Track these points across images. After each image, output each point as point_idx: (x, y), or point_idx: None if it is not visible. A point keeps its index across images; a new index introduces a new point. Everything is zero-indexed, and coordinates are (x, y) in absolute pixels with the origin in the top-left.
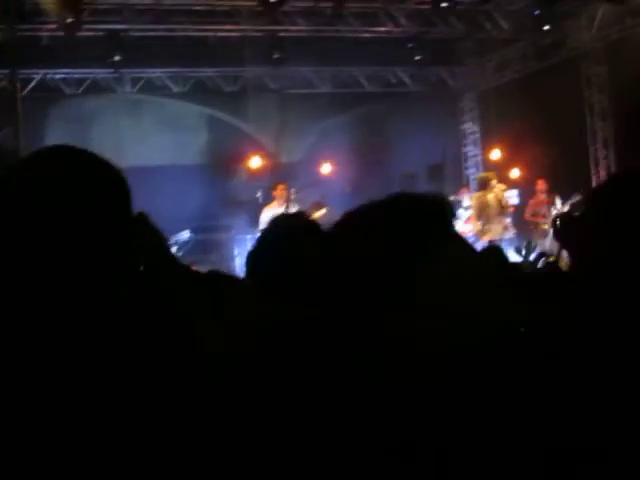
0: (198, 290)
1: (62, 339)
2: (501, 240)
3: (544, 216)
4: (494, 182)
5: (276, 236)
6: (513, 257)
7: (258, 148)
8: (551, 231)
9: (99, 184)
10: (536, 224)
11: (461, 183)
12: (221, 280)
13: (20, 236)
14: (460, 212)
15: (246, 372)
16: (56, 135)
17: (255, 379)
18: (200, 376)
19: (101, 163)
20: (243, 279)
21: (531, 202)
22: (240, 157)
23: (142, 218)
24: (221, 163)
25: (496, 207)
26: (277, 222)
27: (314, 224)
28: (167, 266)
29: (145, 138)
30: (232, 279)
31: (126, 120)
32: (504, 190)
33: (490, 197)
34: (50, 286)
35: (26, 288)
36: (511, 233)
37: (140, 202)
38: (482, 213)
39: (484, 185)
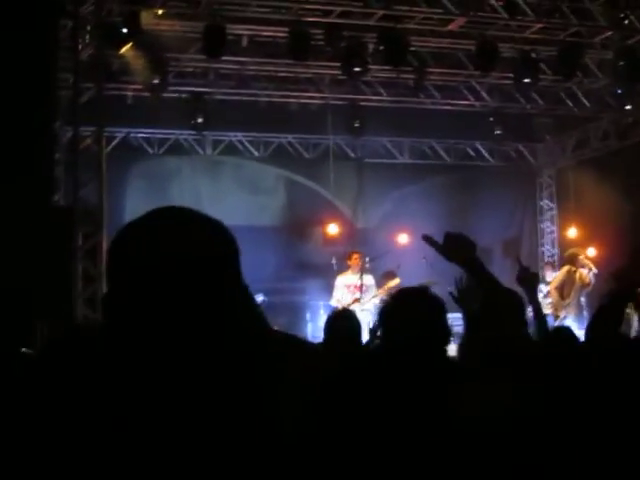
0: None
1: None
2: (577, 318)
3: None
4: (582, 258)
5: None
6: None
7: (335, 212)
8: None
9: (219, 243)
10: None
11: (542, 260)
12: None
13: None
14: (541, 287)
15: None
16: (137, 193)
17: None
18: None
19: (216, 222)
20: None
21: None
22: (316, 221)
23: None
24: (297, 226)
25: (579, 285)
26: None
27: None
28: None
29: (223, 198)
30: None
31: (205, 179)
32: (590, 269)
33: (576, 274)
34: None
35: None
36: (585, 313)
37: None
38: (564, 288)
39: (572, 261)
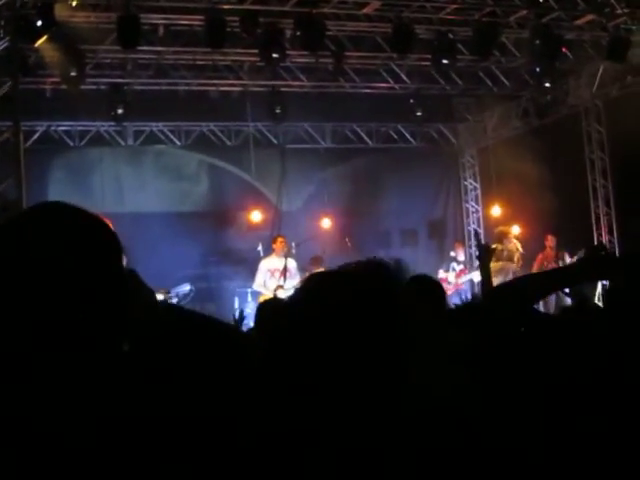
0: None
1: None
2: None
3: None
4: (511, 236)
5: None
6: None
7: (258, 197)
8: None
9: (88, 241)
10: None
11: (469, 240)
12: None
13: (16, 293)
14: (454, 265)
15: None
16: (58, 185)
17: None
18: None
19: (90, 220)
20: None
21: (539, 257)
22: (240, 206)
23: (132, 275)
24: (221, 212)
25: (507, 262)
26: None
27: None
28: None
29: (145, 186)
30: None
31: (127, 168)
32: (517, 244)
33: (504, 252)
34: (48, 341)
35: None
36: None
37: (140, 248)
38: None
39: (500, 239)
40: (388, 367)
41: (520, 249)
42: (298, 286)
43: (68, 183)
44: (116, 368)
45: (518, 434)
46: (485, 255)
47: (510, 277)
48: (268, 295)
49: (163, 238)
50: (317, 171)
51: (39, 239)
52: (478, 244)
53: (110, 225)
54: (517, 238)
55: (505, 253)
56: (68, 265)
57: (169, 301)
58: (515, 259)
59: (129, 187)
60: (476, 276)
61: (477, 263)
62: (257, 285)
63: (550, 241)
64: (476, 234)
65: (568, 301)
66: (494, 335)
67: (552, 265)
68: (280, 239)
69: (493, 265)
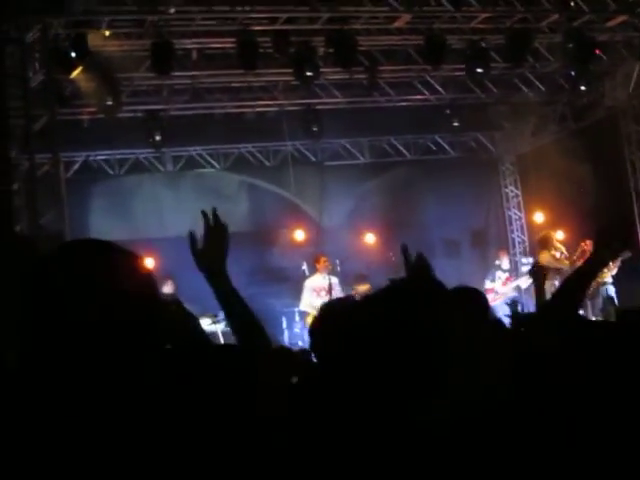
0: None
1: (95, 418)
2: None
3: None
4: (555, 241)
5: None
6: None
7: (299, 214)
8: (601, 291)
9: (120, 275)
10: None
11: (513, 248)
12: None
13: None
14: (499, 274)
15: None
16: (100, 213)
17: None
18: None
19: (124, 254)
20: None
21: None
22: (282, 224)
23: (175, 303)
24: (263, 231)
25: (553, 268)
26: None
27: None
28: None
29: (185, 208)
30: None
31: (167, 192)
32: (562, 252)
33: (550, 257)
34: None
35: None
36: None
37: (185, 271)
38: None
39: (544, 244)
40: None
41: (565, 253)
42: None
43: (109, 211)
44: (139, 391)
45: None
46: (539, 277)
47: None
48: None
49: None
50: (357, 185)
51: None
52: (532, 268)
53: (144, 260)
54: (561, 243)
55: (558, 254)
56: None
57: (217, 324)
58: (559, 265)
59: (169, 211)
60: (523, 282)
61: (522, 270)
62: (304, 305)
63: (589, 246)
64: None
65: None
66: (542, 346)
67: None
68: (323, 258)
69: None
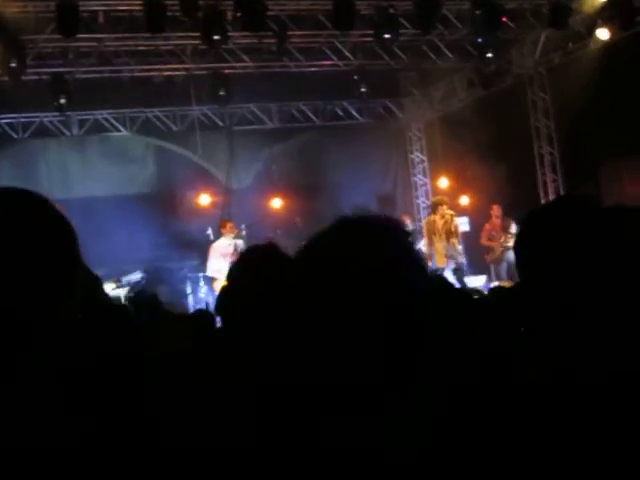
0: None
1: None
2: (443, 268)
3: (500, 241)
4: (443, 207)
5: (245, 271)
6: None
7: (207, 177)
8: (506, 256)
9: (41, 227)
10: (491, 249)
11: (418, 213)
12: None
13: None
14: None
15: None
16: (3, 177)
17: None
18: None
19: (44, 205)
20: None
21: (487, 227)
22: (189, 186)
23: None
24: (170, 193)
25: (443, 232)
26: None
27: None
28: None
29: (91, 171)
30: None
31: (73, 155)
32: (452, 216)
33: (439, 222)
34: None
35: None
36: (460, 259)
37: (90, 232)
38: (430, 237)
39: (433, 209)
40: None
41: (454, 220)
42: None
43: (13, 173)
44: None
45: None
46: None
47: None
48: (222, 280)
49: (112, 222)
50: (265, 149)
51: None
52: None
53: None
54: (465, 208)
55: (442, 223)
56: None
57: (120, 289)
58: (452, 229)
59: (75, 173)
60: (423, 245)
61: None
62: (211, 270)
63: (496, 210)
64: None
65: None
66: None
67: (499, 234)
68: (229, 224)
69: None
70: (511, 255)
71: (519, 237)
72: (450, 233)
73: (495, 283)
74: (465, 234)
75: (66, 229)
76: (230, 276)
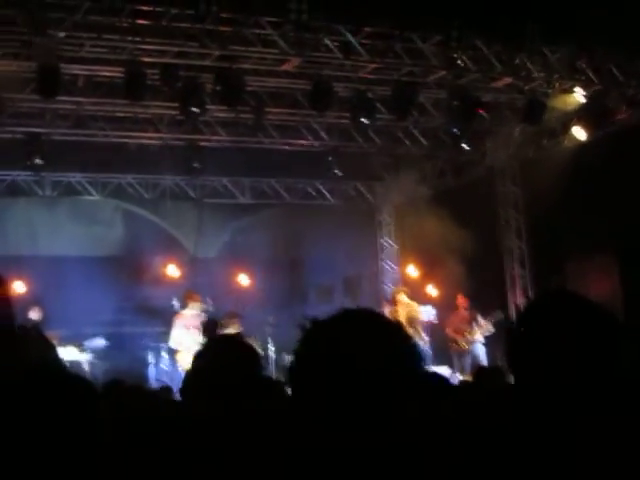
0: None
1: None
2: None
3: (465, 333)
4: (401, 297)
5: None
6: None
7: (174, 243)
8: (471, 349)
9: None
10: (456, 342)
11: (377, 298)
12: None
13: None
14: None
15: None
16: None
17: None
18: None
19: None
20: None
21: (452, 318)
22: (155, 251)
23: (35, 330)
24: (136, 256)
25: (405, 321)
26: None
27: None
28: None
29: (59, 231)
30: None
31: (41, 215)
32: (413, 307)
33: (400, 313)
34: None
35: None
36: (424, 348)
37: (54, 291)
38: None
39: (393, 301)
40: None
41: (416, 312)
42: None
43: None
44: None
45: None
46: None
47: (423, 340)
48: (185, 352)
49: (76, 282)
50: (233, 220)
51: None
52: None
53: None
54: (433, 298)
55: (404, 312)
56: None
57: (82, 353)
58: (412, 318)
59: (43, 232)
60: None
61: None
62: (174, 342)
63: (461, 301)
64: None
65: (484, 362)
66: None
67: (466, 326)
68: (194, 295)
69: None
70: (476, 348)
71: (514, 334)
72: (412, 320)
73: (458, 375)
74: (431, 324)
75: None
76: (195, 363)
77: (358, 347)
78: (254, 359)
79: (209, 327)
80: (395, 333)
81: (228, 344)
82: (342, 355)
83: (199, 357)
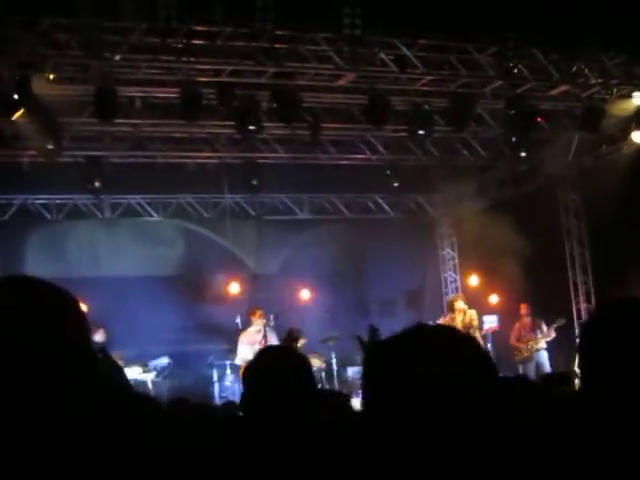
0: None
1: None
2: None
3: (528, 341)
4: (458, 304)
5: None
6: None
7: (235, 261)
8: (535, 356)
9: (52, 315)
10: (519, 350)
11: (440, 310)
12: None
13: None
14: None
15: None
16: (35, 255)
17: None
18: None
19: (56, 293)
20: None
21: (516, 326)
22: (217, 270)
23: (102, 352)
24: (198, 275)
25: (463, 328)
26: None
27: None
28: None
29: (121, 251)
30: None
31: (103, 237)
32: (471, 314)
33: (457, 320)
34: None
35: None
36: None
37: (117, 311)
38: None
39: (449, 308)
40: None
41: (469, 318)
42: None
43: (44, 252)
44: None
45: None
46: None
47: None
48: None
49: (139, 302)
50: (294, 236)
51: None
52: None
53: (80, 302)
54: (495, 307)
55: (460, 319)
56: (30, 339)
57: (147, 374)
58: (471, 326)
59: (104, 252)
60: None
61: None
62: (239, 359)
63: (524, 309)
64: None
65: (548, 368)
66: None
67: (529, 334)
68: (259, 311)
69: None
70: (540, 356)
71: (584, 342)
72: (470, 327)
73: None
74: (494, 333)
75: (69, 317)
76: (246, 375)
77: (437, 364)
78: (307, 370)
79: (289, 337)
80: (471, 347)
81: (279, 355)
82: (420, 373)
83: (251, 370)
